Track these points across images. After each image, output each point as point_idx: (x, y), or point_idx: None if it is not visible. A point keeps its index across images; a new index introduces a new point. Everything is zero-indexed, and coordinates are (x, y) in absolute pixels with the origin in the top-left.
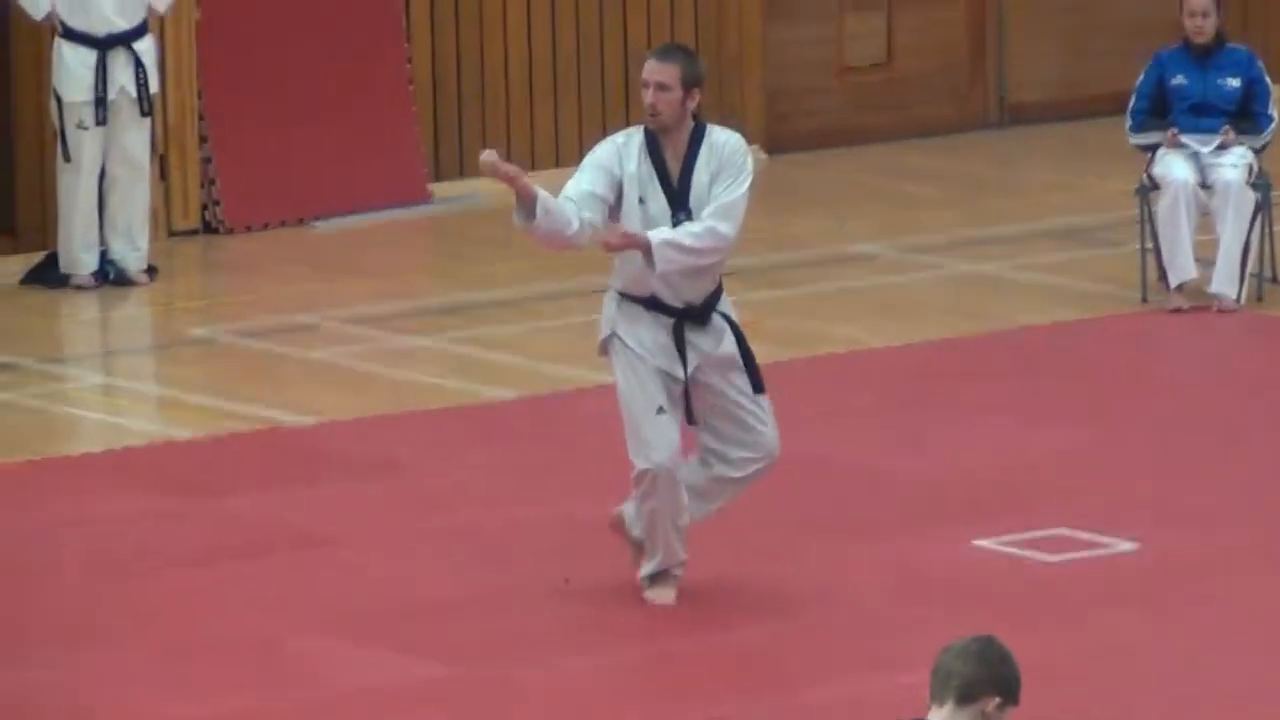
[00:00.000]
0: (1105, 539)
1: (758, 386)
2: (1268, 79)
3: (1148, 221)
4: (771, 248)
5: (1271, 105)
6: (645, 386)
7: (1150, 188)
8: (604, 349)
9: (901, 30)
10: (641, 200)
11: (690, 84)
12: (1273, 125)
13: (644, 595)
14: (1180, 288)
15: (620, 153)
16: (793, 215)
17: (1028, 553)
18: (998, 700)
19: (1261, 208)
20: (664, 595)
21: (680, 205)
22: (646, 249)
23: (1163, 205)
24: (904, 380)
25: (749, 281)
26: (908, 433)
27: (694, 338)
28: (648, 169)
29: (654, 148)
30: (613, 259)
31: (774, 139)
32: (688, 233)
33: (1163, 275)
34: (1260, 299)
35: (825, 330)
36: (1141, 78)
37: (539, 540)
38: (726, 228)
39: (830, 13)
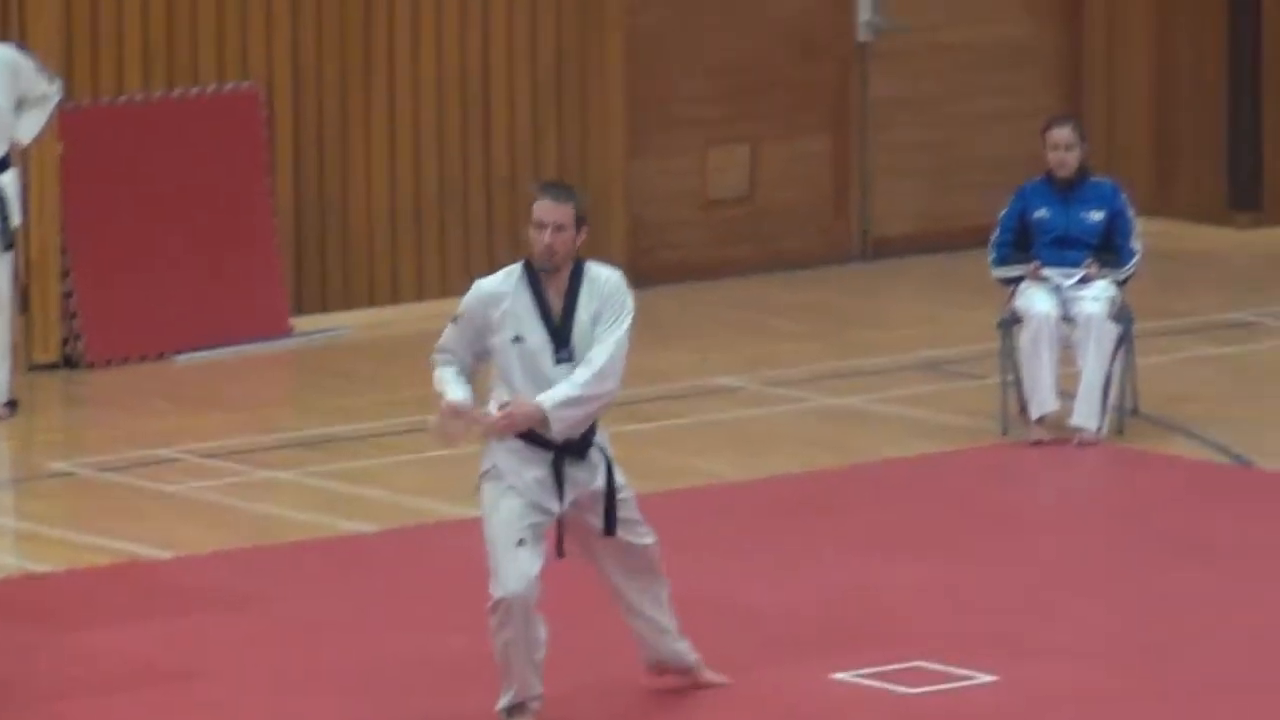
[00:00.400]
0: (964, 671)
1: (609, 528)
2: (1130, 212)
3: (1010, 354)
4: (634, 381)
5: (1134, 239)
6: (508, 519)
7: (1013, 321)
8: (481, 481)
9: (765, 163)
10: (517, 338)
11: (582, 221)
12: (1135, 258)
13: None
14: (1041, 420)
15: (495, 295)
16: (656, 348)
17: (887, 685)
18: None
19: (1123, 341)
20: None
21: (563, 343)
22: (541, 419)
23: (1025, 338)
24: (763, 513)
25: (611, 415)
26: (766, 566)
27: (572, 472)
28: (526, 305)
29: (535, 284)
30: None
31: (638, 272)
32: (575, 384)
33: (1024, 408)
34: (1121, 432)
35: (687, 463)
36: (1005, 211)
37: (402, 674)
38: (612, 370)
39: (694, 146)
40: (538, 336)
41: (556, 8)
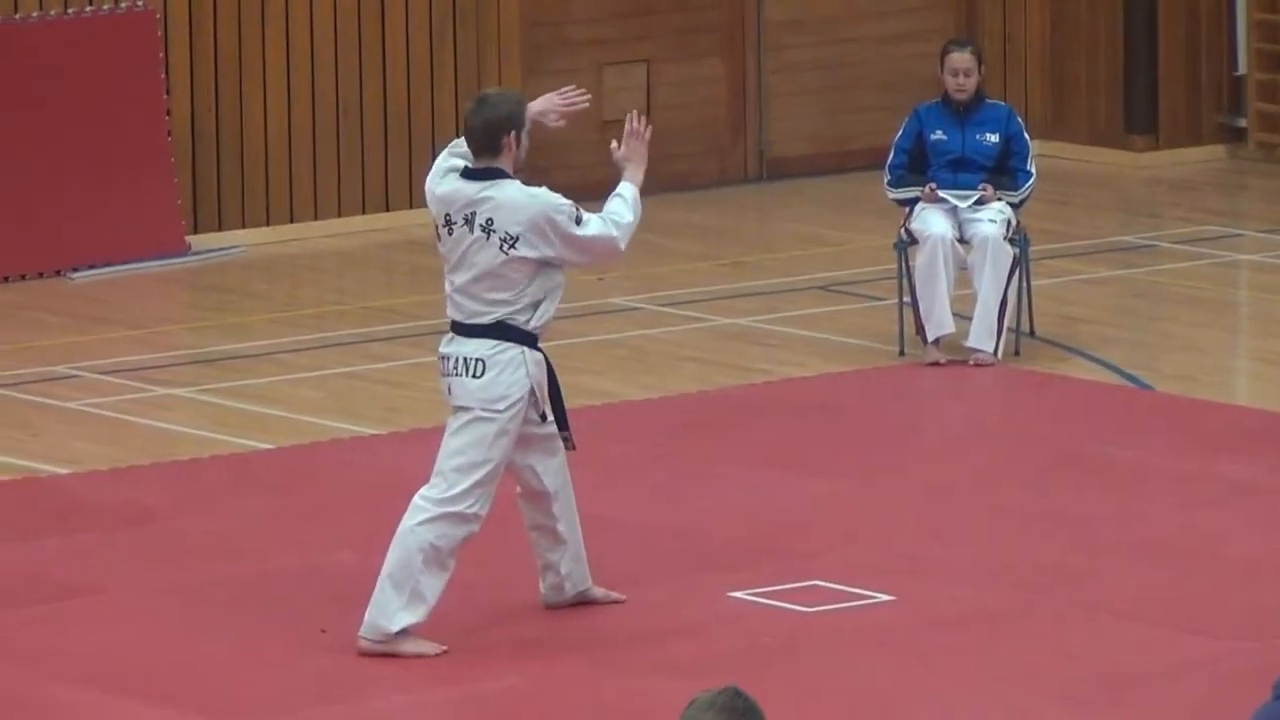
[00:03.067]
0: (861, 590)
1: (563, 420)
2: (1026, 135)
3: (905, 276)
4: None
5: (1030, 161)
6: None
7: (908, 242)
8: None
9: (661, 85)
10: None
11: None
12: (1031, 181)
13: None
14: (937, 342)
15: None
16: None
17: (784, 604)
18: None
19: (1019, 263)
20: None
21: None
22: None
23: (921, 260)
24: (659, 432)
25: None
26: (662, 485)
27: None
28: None
29: None
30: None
31: None
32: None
33: (920, 329)
34: (1017, 353)
35: (582, 383)
36: (900, 133)
37: (296, 590)
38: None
39: (589, 66)
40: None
41: None
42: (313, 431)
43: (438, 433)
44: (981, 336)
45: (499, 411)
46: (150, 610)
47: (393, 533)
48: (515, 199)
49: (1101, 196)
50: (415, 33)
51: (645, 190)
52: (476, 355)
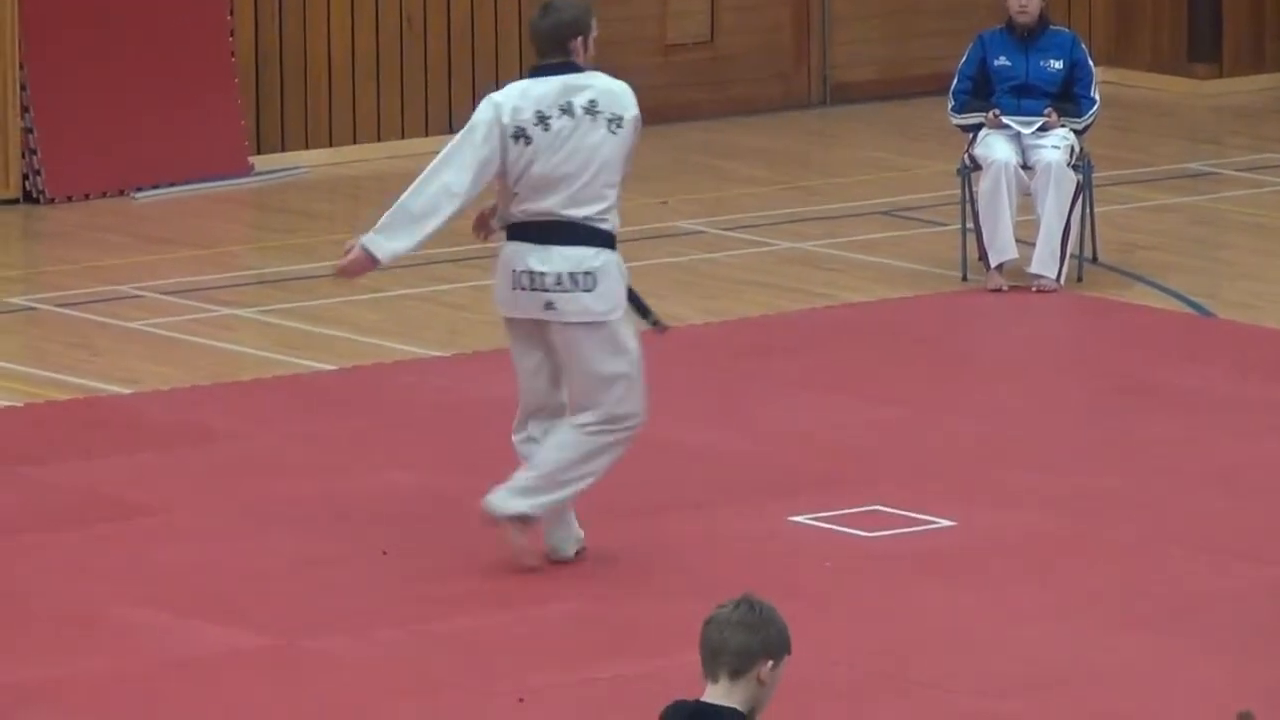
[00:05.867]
0: (922, 516)
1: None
2: (1090, 62)
3: (969, 202)
4: None
5: (1093, 88)
6: None
7: (971, 168)
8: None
9: (725, 9)
10: None
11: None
12: (1095, 108)
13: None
14: (1000, 268)
15: None
16: None
17: (844, 529)
18: (770, 664)
19: (1082, 189)
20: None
21: None
22: None
23: (984, 185)
24: (724, 356)
25: None
26: (725, 408)
27: None
28: None
29: None
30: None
31: None
32: None
33: (983, 255)
34: (1080, 280)
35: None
36: (964, 59)
37: (358, 511)
38: None
39: None
40: None
41: None
42: (374, 353)
43: (499, 355)
44: (1044, 262)
45: (617, 318)
46: (212, 530)
47: (456, 455)
48: (611, 84)
49: (1164, 124)
50: None
51: (708, 113)
52: (585, 269)
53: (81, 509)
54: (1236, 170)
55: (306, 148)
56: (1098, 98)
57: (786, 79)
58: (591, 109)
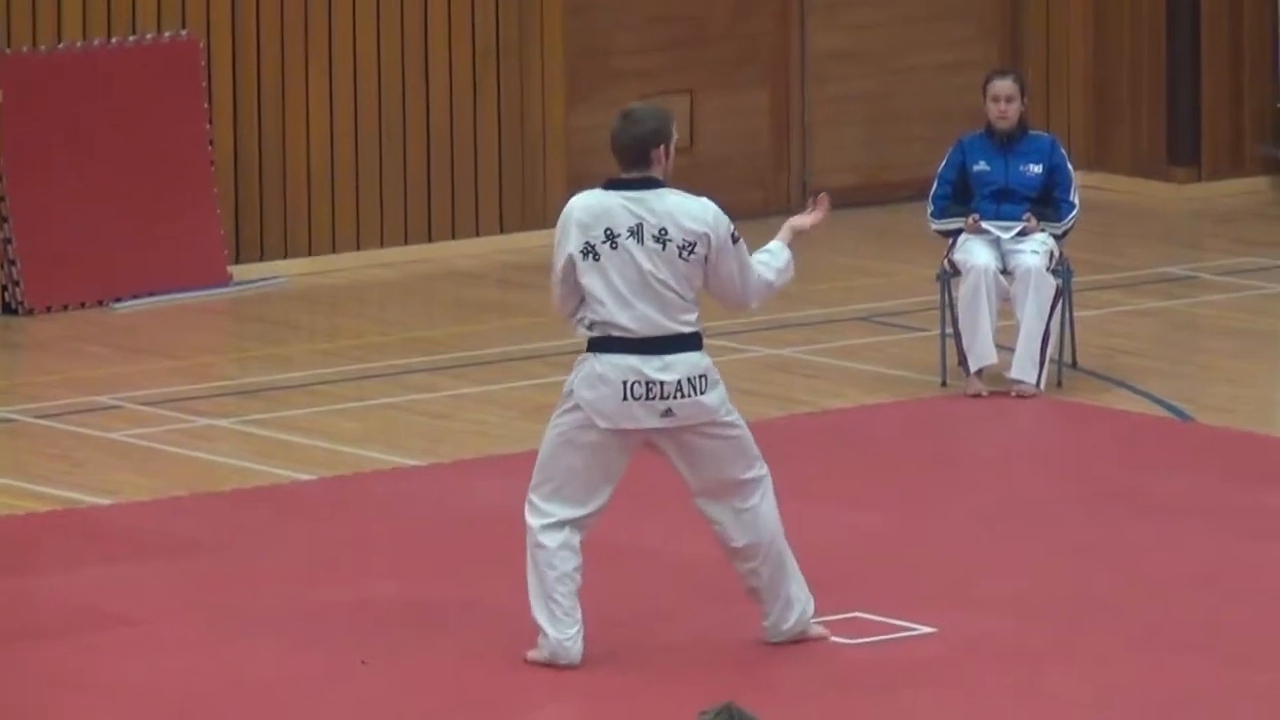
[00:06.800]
0: (903, 623)
1: None
2: (1069, 166)
3: (948, 307)
4: (572, 331)
5: (1073, 192)
6: None
7: (951, 273)
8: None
9: (704, 115)
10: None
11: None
12: (1074, 212)
13: None
14: (980, 373)
15: None
16: None
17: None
18: None
19: (1062, 294)
20: None
21: None
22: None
23: (964, 290)
24: None
25: (550, 363)
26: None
27: None
28: None
29: None
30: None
31: None
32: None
33: (963, 360)
34: (1060, 385)
35: None
36: (944, 163)
37: (338, 621)
38: None
39: (633, 97)
40: None
41: None
42: (354, 463)
43: (481, 463)
44: (1024, 368)
45: (733, 418)
46: (193, 641)
47: (437, 564)
48: (684, 205)
49: (1144, 228)
50: (458, 62)
51: None
52: (700, 372)
53: (63, 620)
54: (1215, 274)
55: (285, 257)
56: (1077, 202)
57: (766, 185)
58: (661, 236)
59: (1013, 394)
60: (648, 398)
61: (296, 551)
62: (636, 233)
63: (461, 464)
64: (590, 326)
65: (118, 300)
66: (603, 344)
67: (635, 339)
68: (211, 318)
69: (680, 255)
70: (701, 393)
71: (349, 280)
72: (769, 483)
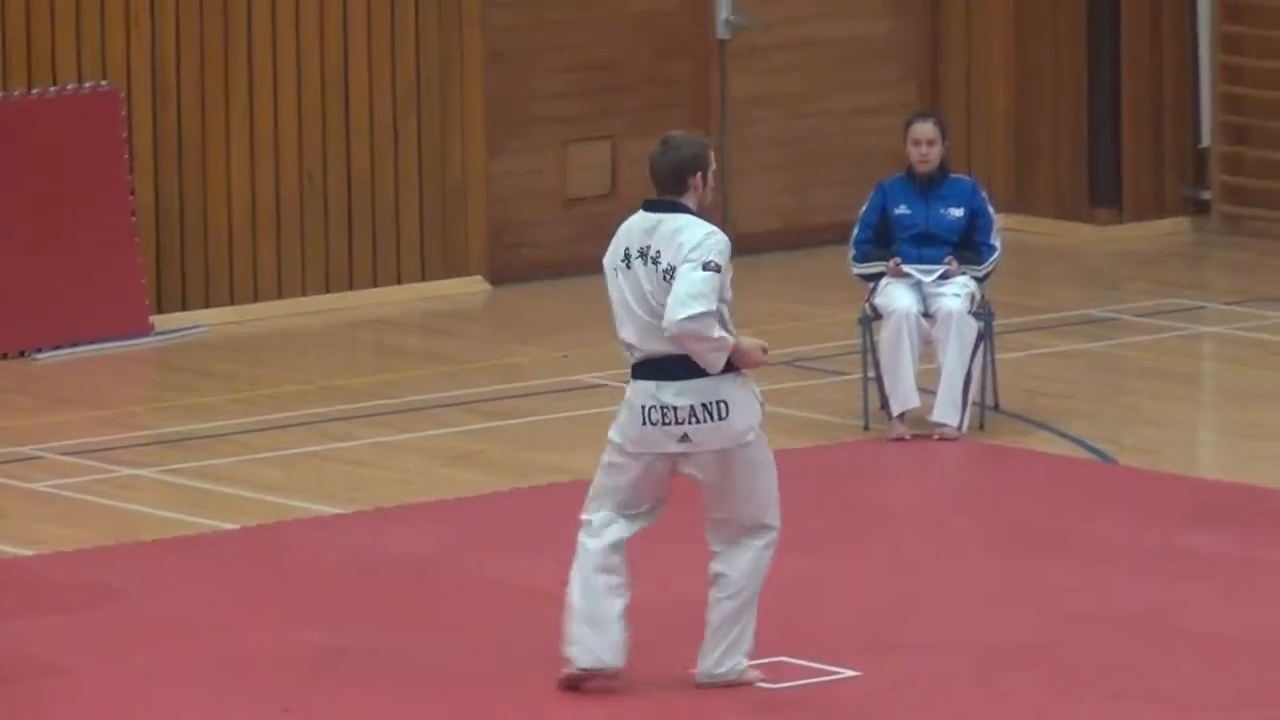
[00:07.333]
0: (827, 667)
1: None
2: (990, 209)
3: (870, 351)
4: (494, 378)
5: (994, 235)
6: None
7: (873, 317)
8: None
9: (625, 161)
10: None
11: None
12: (995, 255)
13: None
14: (902, 416)
15: None
16: (516, 345)
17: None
18: None
19: (983, 336)
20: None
21: None
22: None
23: (885, 334)
24: None
25: (472, 410)
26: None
27: None
28: None
29: None
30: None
31: (498, 269)
32: None
33: (885, 404)
34: (982, 428)
35: (547, 460)
36: (865, 207)
37: (259, 669)
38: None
39: (553, 144)
40: None
41: (415, 6)
42: (276, 511)
43: (402, 510)
44: (946, 411)
45: (756, 444)
46: (117, 691)
47: (359, 611)
48: (684, 230)
49: (1066, 269)
50: (379, 110)
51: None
52: (718, 398)
53: None
54: (1137, 315)
55: (208, 306)
56: (998, 245)
57: None
58: (657, 259)
59: (935, 437)
60: (664, 423)
61: (219, 600)
62: (644, 255)
63: (383, 512)
64: (627, 349)
65: (39, 351)
66: (634, 368)
67: (655, 364)
68: (134, 367)
69: (664, 279)
70: (721, 418)
71: (271, 329)
72: (776, 538)
